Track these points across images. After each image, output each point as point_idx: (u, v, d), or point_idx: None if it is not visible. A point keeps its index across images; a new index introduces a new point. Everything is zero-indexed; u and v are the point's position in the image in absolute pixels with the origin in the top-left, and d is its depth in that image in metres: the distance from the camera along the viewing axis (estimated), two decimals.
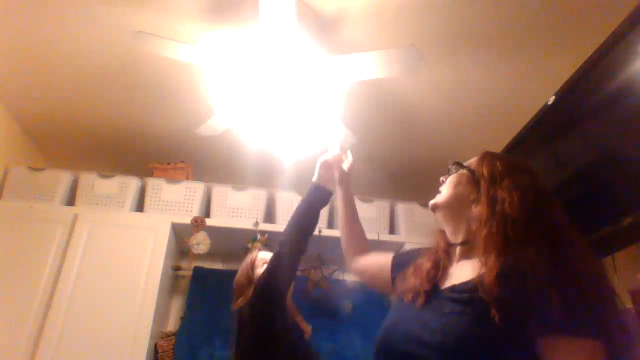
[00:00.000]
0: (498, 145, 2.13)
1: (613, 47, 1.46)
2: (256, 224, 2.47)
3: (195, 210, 2.53)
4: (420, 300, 0.97)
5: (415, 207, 2.67)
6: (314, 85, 1.84)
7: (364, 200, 2.64)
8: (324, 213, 2.62)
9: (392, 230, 2.67)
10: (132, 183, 2.55)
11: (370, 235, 1.71)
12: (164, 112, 2.48)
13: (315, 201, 1.47)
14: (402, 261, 1.20)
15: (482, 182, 1.01)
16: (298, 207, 1.47)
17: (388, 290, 1.22)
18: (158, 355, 2.29)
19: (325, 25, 1.86)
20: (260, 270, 1.78)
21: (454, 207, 1.05)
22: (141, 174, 2.63)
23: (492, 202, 0.96)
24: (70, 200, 2.53)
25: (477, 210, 0.99)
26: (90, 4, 1.82)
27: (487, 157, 1.07)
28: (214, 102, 2.30)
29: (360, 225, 1.45)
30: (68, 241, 2.32)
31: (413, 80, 2.16)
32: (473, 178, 1.04)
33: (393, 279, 1.19)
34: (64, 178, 2.53)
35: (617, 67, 1.46)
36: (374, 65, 1.69)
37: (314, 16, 1.81)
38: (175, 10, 1.85)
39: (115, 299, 2.22)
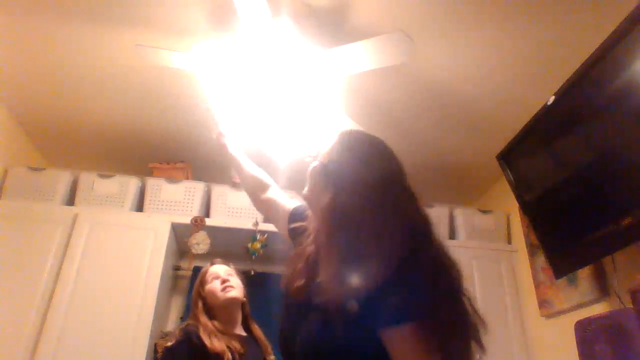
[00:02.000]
0: (499, 144, 2.13)
1: (613, 47, 1.46)
2: (256, 223, 2.47)
3: (195, 210, 2.53)
4: (298, 297, 0.92)
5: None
6: (308, 82, 1.82)
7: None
8: None
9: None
10: (132, 183, 2.55)
11: None
12: (164, 112, 2.48)
13: None
14: (297, 220, 1.13)
15: (329, 173, 0.93)
16: None
17: (286, 238, 1.19)
18: (158, 355, 2.29)
19: (325, 18, 1.82)
20: (209, 286, 1.76)
21: (313, 200, 0.99)
22: (141, 174, 2.63)
23: (334, 196, 0.88)
24: (70, 200, 2.53)
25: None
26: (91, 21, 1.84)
27: (337, 144, 0.97)
28: (214, 102, 2.30)
29: (253, 172, 1.39)
30: (68, 241, 2.32)
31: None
32: (322, 168, 0.96)
33: (290, 234, 1.15)
34: (64, 178, 2.53)
35: (617, 67, 1.47)
36: (364, 56, 1.60)
37: (311, 12, 1.78)
38: (172, 26, 1.87)
39: (115, 299, 2.22)
